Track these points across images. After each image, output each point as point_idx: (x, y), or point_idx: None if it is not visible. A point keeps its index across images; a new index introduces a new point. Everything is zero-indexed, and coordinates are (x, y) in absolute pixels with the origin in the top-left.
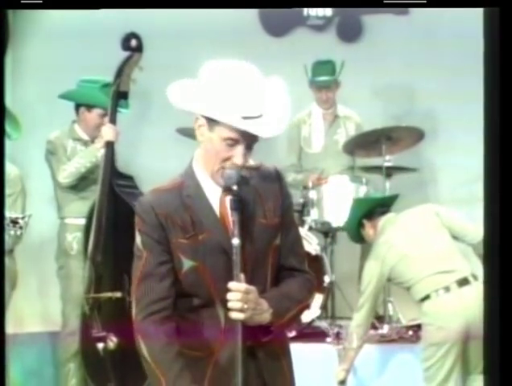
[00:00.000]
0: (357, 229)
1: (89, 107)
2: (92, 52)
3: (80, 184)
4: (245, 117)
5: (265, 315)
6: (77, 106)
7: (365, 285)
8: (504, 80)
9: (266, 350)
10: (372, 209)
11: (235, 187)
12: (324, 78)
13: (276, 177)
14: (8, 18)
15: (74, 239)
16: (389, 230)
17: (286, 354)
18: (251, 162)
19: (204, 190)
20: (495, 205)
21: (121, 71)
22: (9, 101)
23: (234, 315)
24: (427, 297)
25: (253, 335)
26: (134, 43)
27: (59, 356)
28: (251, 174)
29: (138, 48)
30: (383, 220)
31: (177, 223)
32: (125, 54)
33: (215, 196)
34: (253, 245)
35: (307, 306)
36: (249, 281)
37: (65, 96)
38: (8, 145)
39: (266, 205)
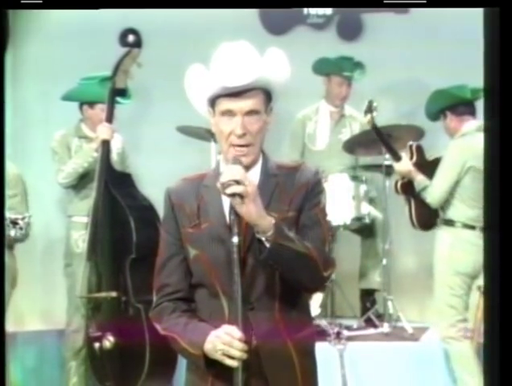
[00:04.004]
0: (436, 117)
1: (91, 104)
2: (92, 52)
3: (82, 183)
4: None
5: (267, 223)
6: (80, 105)
7: (445, 170)
8: (504, 80)
9: (269, 348)
10: (455, 103)
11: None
12: (349, 73)
13: (308, 177)
14: (8, 18)
15: (80, 237)
16: (473, 138)
17: (304, 353)
18: (289, 162)
19: None
20: (495, 205)
21: (118, 68)
22: (9, 101)
23: (234, 189)
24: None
25: (261, 335)
26: (131, 38)
27: (62, 354)
28: (279, 172)
29: (136, 44)
30: (471, 126)
31: (186, 212)
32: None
33: None
34: (256, 238)
35: (318, 274)
36: (252, 274)
37: (66, 97)
38: (8, 144)
39: (283, 201)
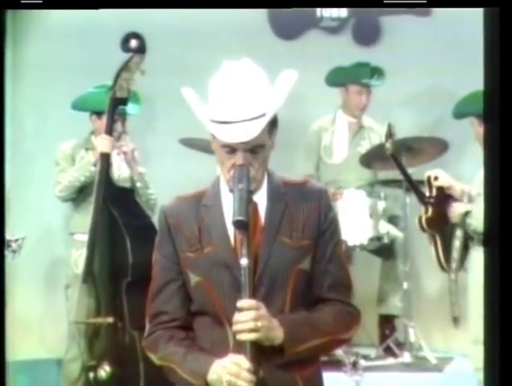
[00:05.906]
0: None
1: (99, 114)
2: (92, 53)
3: (82, 196)
4: (220, 122)
5: (275, 334)
6: (90, 115)
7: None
8: (504, 80)
9: (276, 380)
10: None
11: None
12: (368, 80)
13: (317, 197)
14: (8, 18)
15: (80, 256)
16: None
17: (311, 381)
18: (295, 178)
19: (221, 201)
20: (495, 212)
21: (119, 76)
22: (9, 102)
23: (248, 336)
24: None
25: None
26: (133, 43)
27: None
28: (287, 189)
29: (139, 49)
30: None
31: (185, 235)
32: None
33: (231, 207)
34: (269, 265)
35: (342, 341)
36: (262, 301)
37: (74, 106)
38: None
39: (295, 224)
